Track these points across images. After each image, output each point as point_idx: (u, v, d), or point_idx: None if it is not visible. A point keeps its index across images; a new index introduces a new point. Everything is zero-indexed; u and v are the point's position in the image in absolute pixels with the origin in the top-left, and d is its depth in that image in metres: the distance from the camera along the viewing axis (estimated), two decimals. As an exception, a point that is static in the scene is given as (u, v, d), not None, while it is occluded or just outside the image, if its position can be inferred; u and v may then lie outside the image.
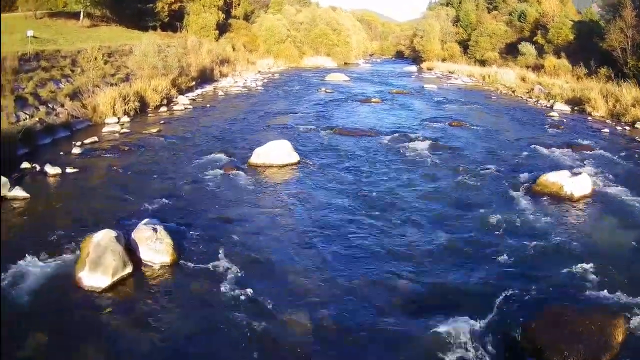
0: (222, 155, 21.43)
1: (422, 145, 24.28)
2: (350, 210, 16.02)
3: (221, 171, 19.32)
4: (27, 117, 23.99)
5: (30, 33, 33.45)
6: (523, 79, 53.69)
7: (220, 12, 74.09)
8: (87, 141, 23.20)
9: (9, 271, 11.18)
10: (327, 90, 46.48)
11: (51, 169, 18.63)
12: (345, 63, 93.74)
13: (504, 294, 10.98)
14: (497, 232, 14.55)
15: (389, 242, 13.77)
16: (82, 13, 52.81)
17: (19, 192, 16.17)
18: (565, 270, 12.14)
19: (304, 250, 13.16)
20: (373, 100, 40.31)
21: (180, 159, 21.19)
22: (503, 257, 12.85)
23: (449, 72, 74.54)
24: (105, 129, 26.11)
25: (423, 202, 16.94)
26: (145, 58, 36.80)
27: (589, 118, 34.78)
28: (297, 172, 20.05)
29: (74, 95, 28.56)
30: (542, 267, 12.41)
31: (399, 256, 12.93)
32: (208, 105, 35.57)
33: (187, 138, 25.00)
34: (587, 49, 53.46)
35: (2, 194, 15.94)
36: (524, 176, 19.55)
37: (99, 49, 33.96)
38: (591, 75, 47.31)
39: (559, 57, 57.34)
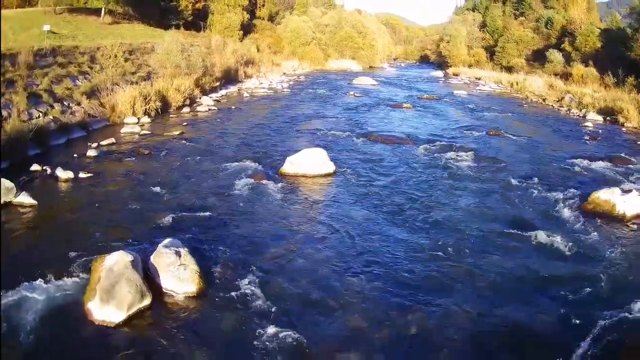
0: (251, 163, 19.61)
1: (463, 156, 22.43)
2: (395, 231, 14.21)
3: (251, 181, 17.46)
4: (41, 114, 22.57)
5: (46, 27, 32.03)
6: (551, 87, 52.32)
7: (245, 13, 72.72)
8: (103, 143, 21.65)
9: (8, 294, 9.56)
10: (356, 95, 44.93)
11: (63, 173, 16.98)
12: (370, 67, 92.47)
13: (577, 334, 9.47)
14: (558, 258, 12.81)
15: (439, 269, 11.97)
16: (103, 10, 51.47)
17: (25, 199, 14.58)
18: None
19: (347, 279, 11.31)
20: (404, 105, 38.58)
21: (205, 166, 19.40)
22: (570, 288, 11.13)
23: (476, 79, 72.75)
24: (123, 130, 24.54)
25: (471, 221, 15.12)
26: (168, 56, 35.31)
27: (623, 129, 33.03)
28: (333, 183, 18.24)
29: (92, 94, 27.11)
30: (615, 300, 10.71)
31: (453, 287, 11.16)
32: (233, 107, 33.88)
33: (212, 142, 23.26)
34: (614, 57, 52.31)
35: (8, 200, 14.44)
36: (573, 192, 17.76)
37: (119, 45, 32.34)
38: (619, 85, 46.35)
39: (586, 65, 56.07)
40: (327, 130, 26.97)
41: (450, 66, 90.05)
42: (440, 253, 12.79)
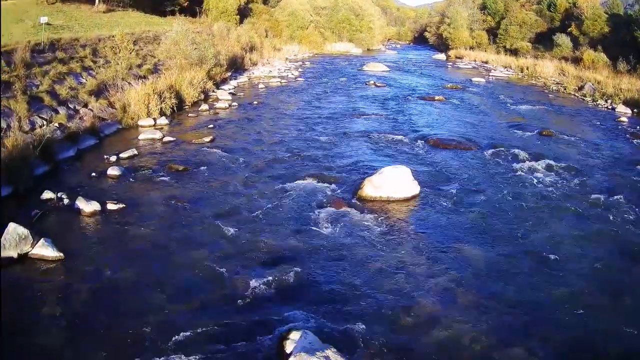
0: (314, 182, 15.74)
1: (535, 165, 18.94)
2: (515, 267, 11.43)
3: (330, 210, 13.68)
4: (44, 122, 18.64)
5: (44, 20, 27.61)
6: (562, 73, 50.39)
7: (242, -4, 68.32)
8: (123, 155, 17.72)
9: None
10: (377, 84, 40.85)
11: (86, 205, 13.07)
12: (368, 49, 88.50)
13: None
14: None
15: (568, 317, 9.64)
16: (97, -3, 47.23)
17: (46, 250, 10.85)
18: None
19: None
20: (436, 98, 35.04)
21: (262, 187, 15.36)
22: None
23: (482, 62, 69.41)
24: (142, 136, 20.49)
25: (581, 250, 12.41)
26: (177, 46, 30.99)
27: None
28: (425, 209, 14.49)
29: (98, 92, 23.05)
30: None
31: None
32: (255, 103, 29.46)
33: (255, 152, 19.15)
34: (623, 42, 50.51)
35: (23, 252, 10.72)
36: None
37: (128, 35, 28.18)
38: (630, 71, 44.72)
39: (595, 50, 53.69)
40: (377, 134, 22.92)
41: (452, 49, 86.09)
42: (563, 297, 10.36)
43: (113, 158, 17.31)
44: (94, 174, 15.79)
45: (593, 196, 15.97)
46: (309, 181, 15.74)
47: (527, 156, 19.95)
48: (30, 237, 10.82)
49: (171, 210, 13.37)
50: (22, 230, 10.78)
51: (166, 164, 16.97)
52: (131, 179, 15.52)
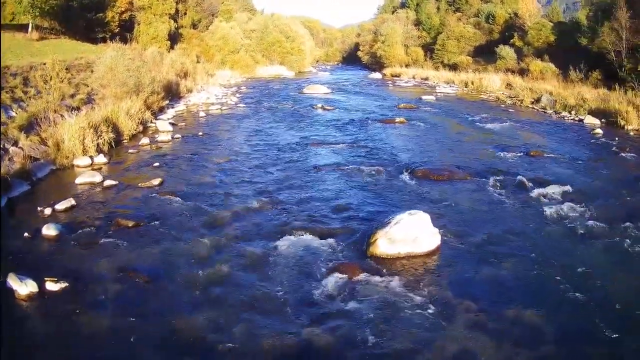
0: (306, 237, 12.42)
1: (543, 193, 16.21)
2: (584, 326, 9.09)
3: (338, 278, 10.35)
4: (-34, 165, 15.23)
5: (-35, 44, 23.96)
6: (509, 85, 49.18)
7: (172, 21, 64.83)
8: (59, 207, 14.31)
9: None
10: (326, 107, 37.91)
11: (19, 285, 9.73)
12: (300, 71, 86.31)
13: None
14: None
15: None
16: (30, 25, 43.31)
17: None
18: None
19: None
20: (397, 120, 32.18)
21: (236, 248, 11.95)
22: None
23: (422, 79, 67.69)
24: (79, 180, 17.02)
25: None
26: (113, 73, 27.57)
27: (631, 133, 28.72)
28: (455, 265, 11.31)
29: (29, 127, 19.60)
30: None
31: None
32: (200, 134, 26.05)
33: (216, 198, 15.73)
34: (571, 51, 49.23)
35: None
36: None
37: (60, 62, 24.77)
38: (582, 80, 43.59)
39: (541, 59, 53.15)
40: (352, 166, 19.79)
41: (386, 67, 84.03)
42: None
43: (48, 211, 13.96)
44: (26, 233, 12.39)
45: (624, 225, 13.65)
46: (298, 237, 12.42)
47: (531, 183, 17.30)
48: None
49: (126, 288, 10.07)
50: None
51: (112, 218, 13.59)
52: (72, 242, 12.14)
